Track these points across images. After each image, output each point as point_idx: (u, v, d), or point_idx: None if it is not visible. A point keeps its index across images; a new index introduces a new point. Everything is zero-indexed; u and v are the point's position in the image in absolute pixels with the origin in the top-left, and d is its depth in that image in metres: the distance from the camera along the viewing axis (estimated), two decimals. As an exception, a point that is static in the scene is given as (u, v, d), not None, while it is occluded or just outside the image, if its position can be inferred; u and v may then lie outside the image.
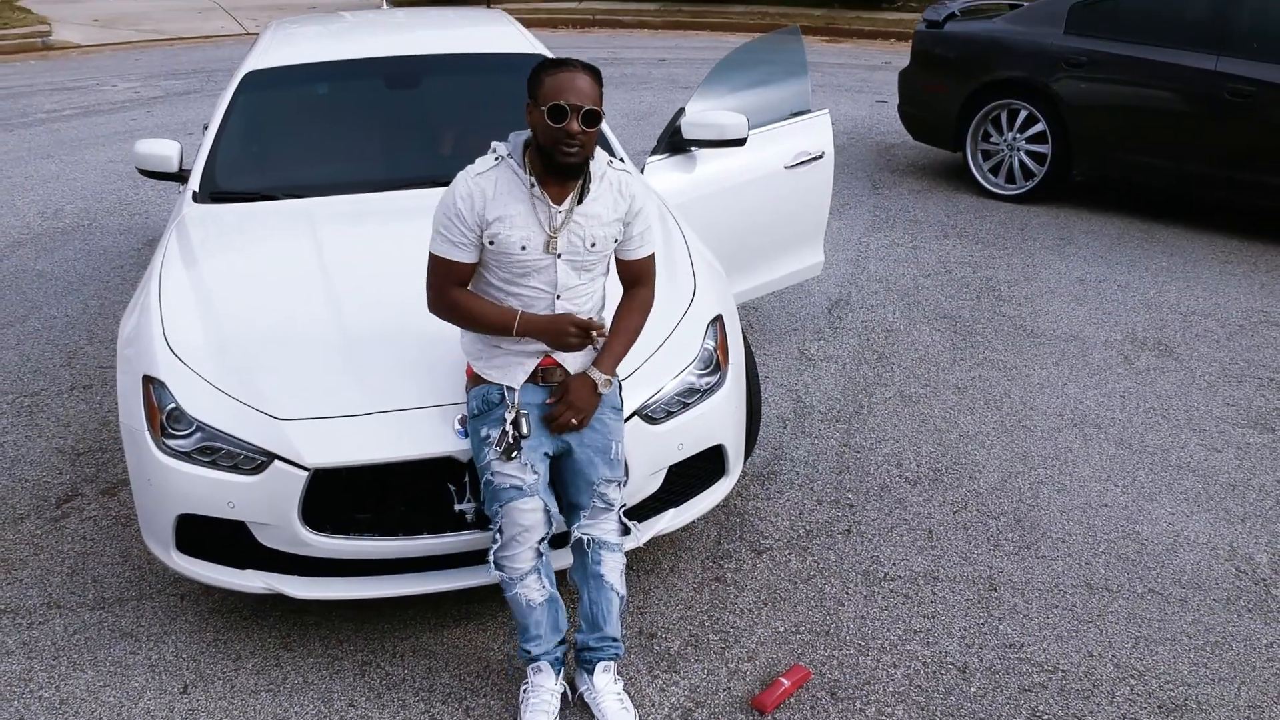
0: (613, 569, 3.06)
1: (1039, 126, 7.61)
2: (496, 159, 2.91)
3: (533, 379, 3.02)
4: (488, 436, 2.97)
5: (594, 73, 2.81)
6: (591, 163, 2.92)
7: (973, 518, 4.03)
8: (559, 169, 2.82)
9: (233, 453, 3.15)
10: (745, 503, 4.13)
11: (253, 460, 3.13)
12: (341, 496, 3.16)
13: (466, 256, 2.90)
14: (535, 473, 2.95)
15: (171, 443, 3.20)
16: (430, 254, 2.94)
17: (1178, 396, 4.92)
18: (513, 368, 3.01)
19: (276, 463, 3.10)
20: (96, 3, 21.73)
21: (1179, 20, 7.02)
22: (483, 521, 3.20)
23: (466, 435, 3.11)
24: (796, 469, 4.36)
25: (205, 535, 3.26)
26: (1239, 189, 6.86)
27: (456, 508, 3.17)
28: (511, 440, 2.93)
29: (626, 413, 3.23)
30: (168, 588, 3.71)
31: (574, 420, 2.99)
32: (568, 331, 2.89)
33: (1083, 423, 4.69)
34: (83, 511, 4.15)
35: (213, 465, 3.16)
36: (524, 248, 2.87)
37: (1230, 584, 3.64)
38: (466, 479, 3.16)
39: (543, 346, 2.99)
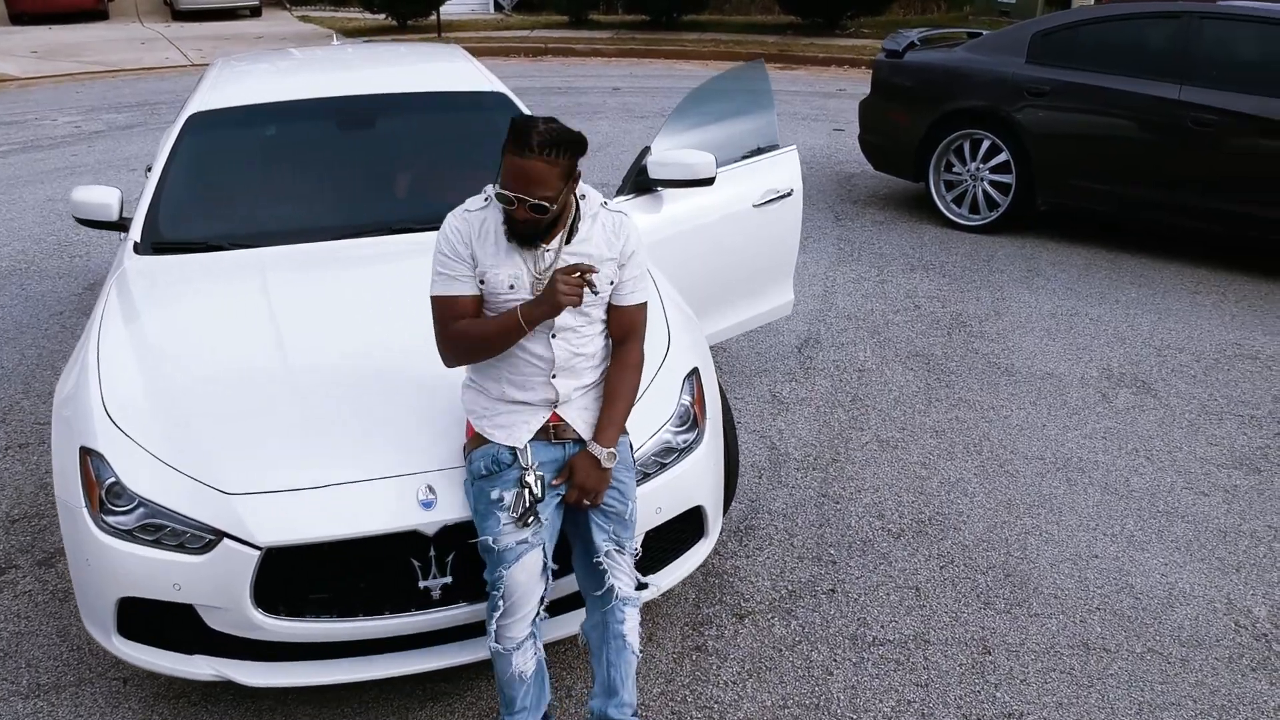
0: (633, 627, 2.92)
1: (1002, 156, 7.54)
2: (486, 200, 2.83)
3: (545, 436, 2.87)
4: (500, 499, 2.81)
5: (557, 152, 2.61)
6: (583, 202, 2.84)
7: (960, 573, 3.87)
8: (528, 237, 2.74)
9: (178, 531, 2.92)
10: (724, 561, 3.94)
11: (200, 539, 2.90)
12: (297, 576, 2.93)
13: (467, 289, 2.80)
14: (541, 522, 2.82)
15: (111, 520, 2.96)
16: (432, 298, 2.83)
17: (1160, 436, 4.81)
18: (517, 426, 2.86)
19: (226, 541, 2.87)
20: (35, 33, 21.32)
21: (1141, 49, 6.98)
22: (448, 598, 2.99)
23: (431, 507, 2.91)
24: (775, 522, 4.18)
25: (150, 618, 3.02)
26: (1203, 217, 6.80)
27: (421, 584, 2.95)
28: (528, 504, 2.78)
29: None
30: (109, 671, 3.45)
31: (585, 502, 2.86)
32: (558, 289, 2.64)
33: (1065, 466, 4.56)
34: (17, 585, 3.88)
35: (157, 544, 2.92)
36: (511, 286, 2.77)
37: (1231, 640, 3.50)
38: (432, 554, 2.94)
39: (549, 399, 2.85)
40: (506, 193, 2.64)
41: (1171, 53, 6.85)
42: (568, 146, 2.63)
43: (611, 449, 2.86)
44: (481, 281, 2.79)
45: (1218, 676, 3.34)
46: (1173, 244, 7.51)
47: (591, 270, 2.67)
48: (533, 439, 2.87)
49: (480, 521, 2.85)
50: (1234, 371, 5.46)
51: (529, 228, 2.71)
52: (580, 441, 2.90)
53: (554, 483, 2.86)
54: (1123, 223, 7.93)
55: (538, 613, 2.84)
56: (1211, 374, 5.43)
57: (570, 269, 2.66)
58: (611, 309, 2.91)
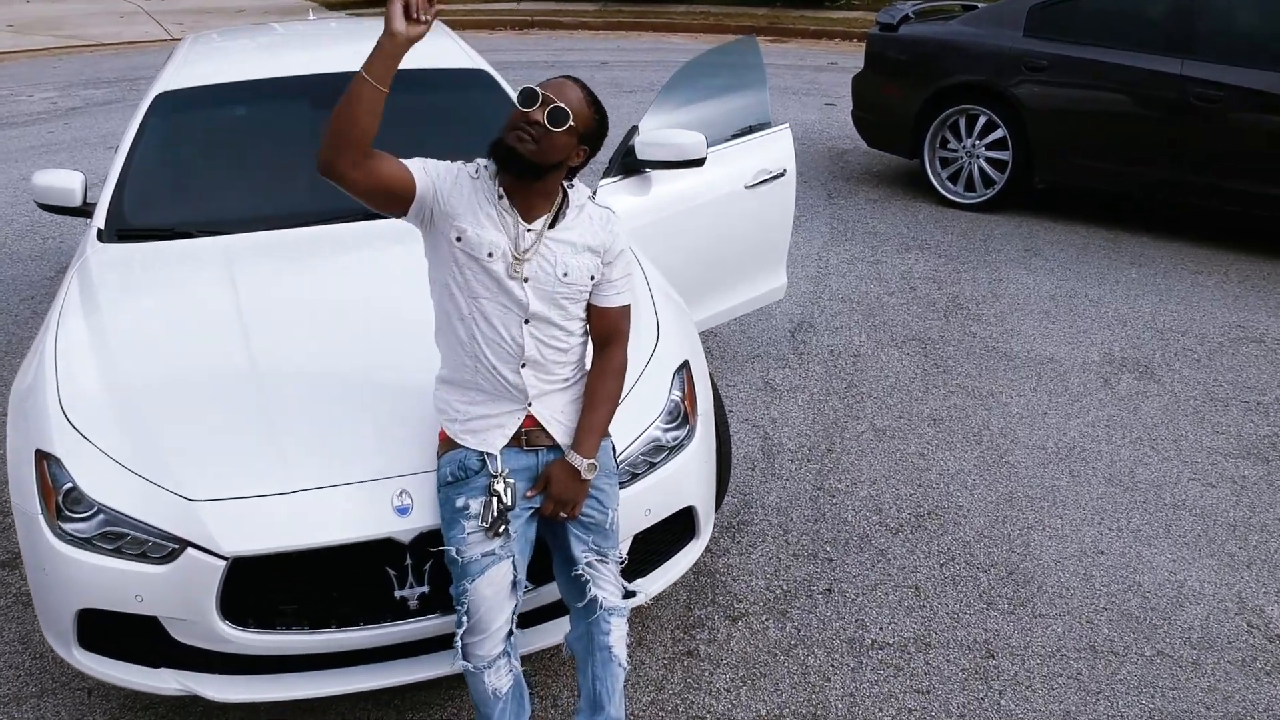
0: (619, 639, 2.77)
1: (999, 132, 7.36)
2: (475, 173, 2.66)
3: (515, 442, 2.70)
4: (466, 507, 2.64)
5: (594, 101, 2.61)
6: (571, 191, 2.69)
7: (961, 571, 3.72)
8: (506, 158, 2.53)
9: (140, 539, 2.76)
10: (715, 559, 3.79)
11: (163, 548, 2.74)
12: (266, 586, 2.77)
13: (413, 169, 2.57)
14: (511, 535, 2.65)
15: (69, 527, 2.80)
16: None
17: (1164, 424, 4.66)
18: (491, 431, 2.69)
19: (190, 550, 2.72)
20: (10, 7, 20.95)
21: (1143, 22, 6.80)
22: (426, 608, 2.83)
23: (406, 513, 2.75)
24: (769, 517, 4.03)
25: (112, 629, 2.87)
26: (1206, 195, 6.65)
27: (397, 594, 2.80)
28: (497, 513, 2.61)
29: None
30: (73, 681, 3.30)
31: (562, 514, 2.70)
32: (391, 12, 2.39)
33: (1068, 456, 4.42)
34: (-21, 589, 3.72)
35: (117, 553, 2.77)
36: (490, 254, 2.59)
37: (1243, 642, 3.37)
38: (408, 562, 2.79)
39: (519, 388, 2.67)
40: (534, 87, 2.50)
41: (1174, 26, 6.67)
42: (600, 109, 2.62)
43: (591, 460, 2.69)
44: (458, 238, 2.60)
45: (1231, 681, 3.21)
46: (1173, 223, 7.35)
47: None
48: (504, 446, 2.71)
49: (446, 531, 2.69)
50: (1239, 355, 5.32)
51: (525, 145, 2.48)
52: (555, 448, 2.74)
53: (528, 494, 2.70)
54: (1122, 201, 7.77)
55: (509, 629, 2.68)
56: (1215, 358, 5.29)
57: None
58: (593, 310, 2.74)
